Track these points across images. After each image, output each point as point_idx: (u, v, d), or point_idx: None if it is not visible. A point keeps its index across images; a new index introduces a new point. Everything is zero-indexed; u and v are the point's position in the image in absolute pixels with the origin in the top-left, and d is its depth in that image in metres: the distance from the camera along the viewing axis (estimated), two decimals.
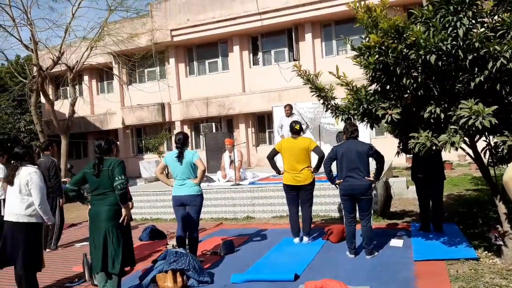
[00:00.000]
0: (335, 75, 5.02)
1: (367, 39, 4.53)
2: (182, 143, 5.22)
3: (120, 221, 4.04)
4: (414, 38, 4.07)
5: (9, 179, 4.33)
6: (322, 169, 5.46)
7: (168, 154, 5.38)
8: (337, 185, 5.27)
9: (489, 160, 4.97)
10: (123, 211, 4.07)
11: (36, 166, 4.48)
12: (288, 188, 5.89)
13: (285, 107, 8.61)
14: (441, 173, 5.90)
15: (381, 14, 4.46)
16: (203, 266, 4.74)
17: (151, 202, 8.94)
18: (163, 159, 5.48)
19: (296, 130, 5.86)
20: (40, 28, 30.00)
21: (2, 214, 7.00)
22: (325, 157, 5.42)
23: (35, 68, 14.99)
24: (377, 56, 4.37)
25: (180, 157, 5.17)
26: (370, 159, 5.15)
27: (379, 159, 5.15)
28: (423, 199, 5.98)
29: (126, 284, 4.60)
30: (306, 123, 8.75)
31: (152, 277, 4.45)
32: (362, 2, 4.72)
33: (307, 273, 4.65)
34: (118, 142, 6.34)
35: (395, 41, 4.25)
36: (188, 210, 5.23)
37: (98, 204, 4.06)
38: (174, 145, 5.35)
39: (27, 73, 16.51)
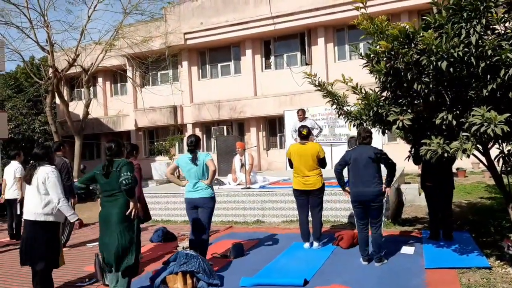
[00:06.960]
0: (342, 81, 5.01)
1: (375, 45, 4.53)
2: (195, 145, 5.26)
3: (127, 213, 4.05)
4: (425, 45, 4.06)
5: (27, 179, 4.42)
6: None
7: (181, 157, 5.42)
8: (348, 191, 5.24)
9: (503, 168, 4.92)
10: (131, 204, 4.06)
11: (53, 166, 4.56)
12: (297, 193, 5.89)
13: (297, 112, 8.43)
14: (450, 182, 5.81)
15: (386, 25, 4.45)
16: (213, 269, 4.77)
17: (162, 204, 9.02)
18: (175, 160, 5.51)
19: (304, 135, 5.85)
20: (56, 30, 30.42)
21: (18, 213, 7.17)
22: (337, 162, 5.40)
23: (50, 70, 15.24)
24: (387, 61, 4.37)
25: (194, 159, 5.22)
26: (383, 166, 5.12)
27: (390, 165, 5.11)
28: (433, 207, 5.91)
29: (137, 285, 4.65)
30: (319, 127, 8.64)
31: (162, 279, 4.49)
32: (363, 10, 4.70)
33: (316, 278, 4.64)
34: (137, 145, 6.37)
35: (406, 47, 4.24)
36: (200, 213, 5.27)
37: (109, 206, 4.11)
38: (186, 148, 5.38)
39: (43, 74, 16.80)
